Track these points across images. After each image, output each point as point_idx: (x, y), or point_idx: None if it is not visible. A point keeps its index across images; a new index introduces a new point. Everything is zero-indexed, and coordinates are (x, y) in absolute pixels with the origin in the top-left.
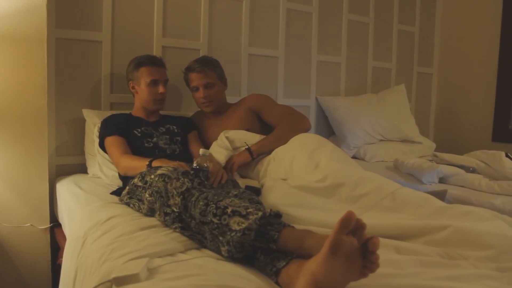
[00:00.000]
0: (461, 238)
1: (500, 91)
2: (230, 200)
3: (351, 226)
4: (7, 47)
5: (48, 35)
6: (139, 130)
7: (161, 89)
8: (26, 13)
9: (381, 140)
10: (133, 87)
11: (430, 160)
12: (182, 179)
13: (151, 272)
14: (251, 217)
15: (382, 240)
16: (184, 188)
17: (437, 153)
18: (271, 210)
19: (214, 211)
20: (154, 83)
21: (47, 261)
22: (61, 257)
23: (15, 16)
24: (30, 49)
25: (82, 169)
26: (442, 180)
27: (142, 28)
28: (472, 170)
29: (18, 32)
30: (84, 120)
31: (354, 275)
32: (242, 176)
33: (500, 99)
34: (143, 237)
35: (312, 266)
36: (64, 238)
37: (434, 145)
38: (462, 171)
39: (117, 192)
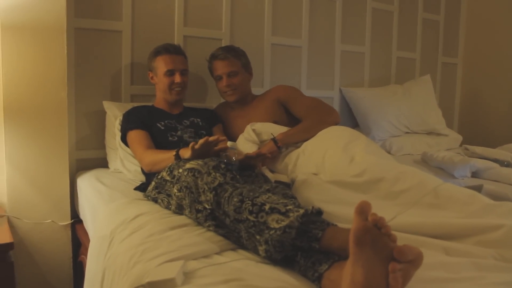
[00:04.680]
0: None
1: None
2: (267, 196)
3: (367, 210)
4: (27, 38)
5: (67, 25)
6: (162, 123)
7: (177, 78)
8: (45, 2)
9: (407, 133)
10: (152, 78)
11: (458, 153)
12: (214, 173)
13: (187, 276)
14: (291, 214)
15: (428, 240)
16: (216, 183)
17: (469, 146)
18: (312, 207)
19: (250, 208)
20: (170, 73)
21: (68, 258)
22: (83, 254)
23: (34, 6)
24: (49, 40)
25: (103, 163)
26: (474, 175)
27: (163, 17)
28: (507, 164)
29: (37, 23)
30: (104, 113)
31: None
32: (271, 171)
33: None
34: (176, 237)
35: (349, 269)
36: (85, 234)
37: (460, 138)
38: (496, 165)
39: (141, 188)
